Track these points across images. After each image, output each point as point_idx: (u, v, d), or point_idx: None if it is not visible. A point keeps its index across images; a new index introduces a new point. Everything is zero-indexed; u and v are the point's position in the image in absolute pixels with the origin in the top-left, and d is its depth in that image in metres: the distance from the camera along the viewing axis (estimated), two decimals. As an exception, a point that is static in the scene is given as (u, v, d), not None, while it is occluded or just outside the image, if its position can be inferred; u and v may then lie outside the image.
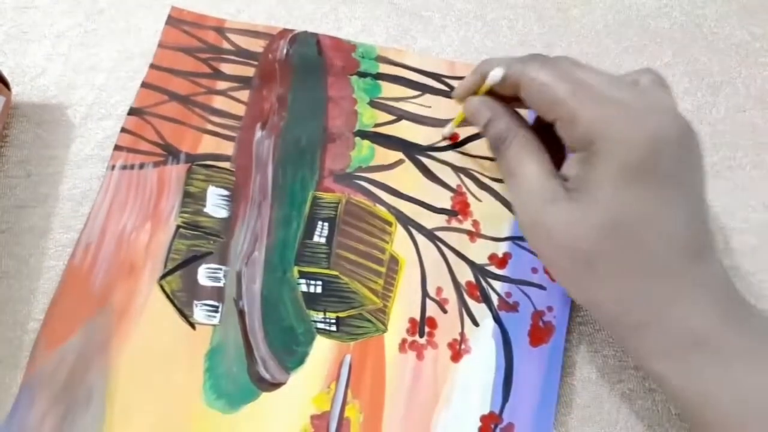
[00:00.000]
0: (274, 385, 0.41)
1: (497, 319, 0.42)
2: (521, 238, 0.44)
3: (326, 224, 0.44)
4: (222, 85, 0.48)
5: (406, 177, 0.46)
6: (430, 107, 0.47)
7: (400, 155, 0.46)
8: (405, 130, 0.47)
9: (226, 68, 0.48)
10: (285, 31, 0.49)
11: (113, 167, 0.45)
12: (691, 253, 0.33)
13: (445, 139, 0.47)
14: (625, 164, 0.32)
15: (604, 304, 0.34)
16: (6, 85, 0.45)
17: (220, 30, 0.49)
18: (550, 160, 0.36)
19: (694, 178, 0.34)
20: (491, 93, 0.40)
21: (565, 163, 0.35)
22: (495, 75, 0.38)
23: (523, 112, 0.40)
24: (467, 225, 0.44)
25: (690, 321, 0.32)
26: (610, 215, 0.32)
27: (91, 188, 0.45)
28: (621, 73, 0.40)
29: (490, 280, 0.43)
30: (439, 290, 0.43)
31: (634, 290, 0.33)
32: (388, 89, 0.48)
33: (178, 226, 0.44)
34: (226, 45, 0.49)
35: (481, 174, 0.46)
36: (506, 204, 0.45)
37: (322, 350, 0.41)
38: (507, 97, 0.39)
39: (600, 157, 0.32)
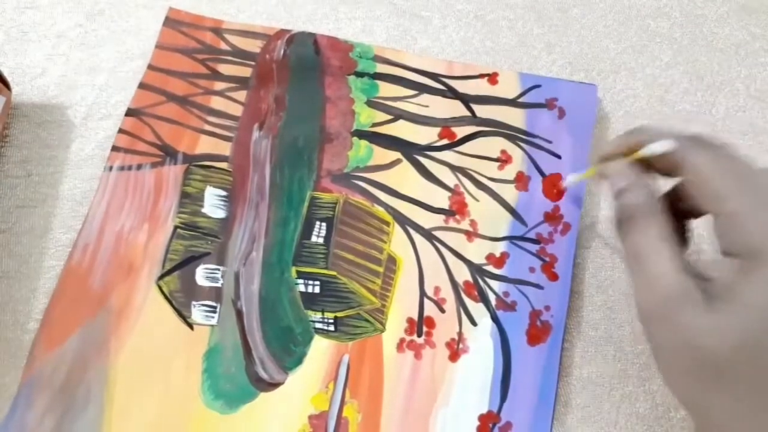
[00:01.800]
0: (273, 385, 0.41)
1: (495, 319, 0.42)
2: (519, 238, 0.44)
3: (324, 224, 0.44)
4: (219, 85, 0.48)
5: (404, 177, 0.46)
6: (427, 107, 0.47)
7: (397, 155, 0.46)
8: (403, 130, 0.47)
9: (224, 69, 0.48)
10: (282, 32, 0.49)
11: (111, 168, 0.45)
12: None
13: (565, 188, 0.45)
14: None
15: (716, 414, 0.31)
16: (6, 85, 0.45)
17: (218, 31, 0.49)
18: (680, 252, 0.33)
19: None
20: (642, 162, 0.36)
21: (717, 263, 0.32)
22: (661, 147, 0.34)
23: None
24: (465, 225, 0.44)
25: None
26: (755, 334, 0.29)
27: (91, 188, 0.45)
28: None
29: (488, 280, 0.43)
30: (437, 290, 0.43)
31: (757, 410, 0.30)
32: (386, 89, 0.48)
33: (176, 227, 0.44)
34: (223, 46, 0.49)
35: (479, 174, 0.46)
36: (504, 204, 0.45)
37: (321, 350, 0.41)
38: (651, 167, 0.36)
39: (764, 268, 0.29)
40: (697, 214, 0.35)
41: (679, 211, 0.35)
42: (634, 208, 0.34)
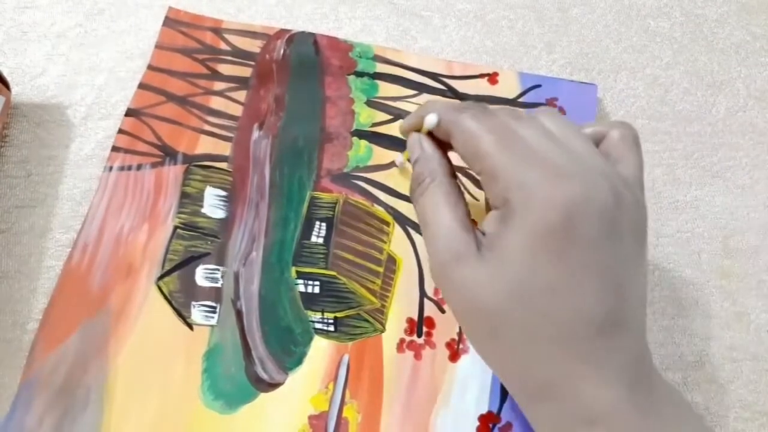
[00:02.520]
0: (272, 386, 0.41)
1: (495, 320, 0.42)
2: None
3: (324, 224, 0.44)
4: (219, 85, 0.48)
5: (404, 177, 0.46)
6: (428, 107, 0.47)
7: (397, 155, 0.46)
8: None
9: (224, 69, 0.48)
10: (282, 32, 0.49)
11: (110, 168, 0.45)
12: (600, 327, 0.30)
13: (396, 166, 0.46)
14: (537, 228, 0.29)
15: (508, 370, 0.32)
16: (6, 85, 0.45)
17: (217, 30, 0.49)
18: (467, 212, 0.34)
19: (619, 248, 0.31)
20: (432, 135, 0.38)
21: (485, 218, 0.33)
22: (429, 121, 0.36)
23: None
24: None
25: (588, 398, 0.30)
26: (516, 279, 0.30)
27: (91, 188, 0.45)
28: (605, 119, 0.38)
29: (488, 280, 0.43)
30: (437, 290, 0.43)
31: (536, 359, 0.31)
32: (386, 89, 0.48)
33: (176, 227, 0.44)
34: (223, 45, 0.49)
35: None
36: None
37: (320, 350, 0.41)
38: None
39: (514, 217, 0.30)
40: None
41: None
42: (421, 174, 0.36)
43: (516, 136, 0.32)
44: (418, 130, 0.38)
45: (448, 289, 0.33)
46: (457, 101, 0.39)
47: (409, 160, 0.40)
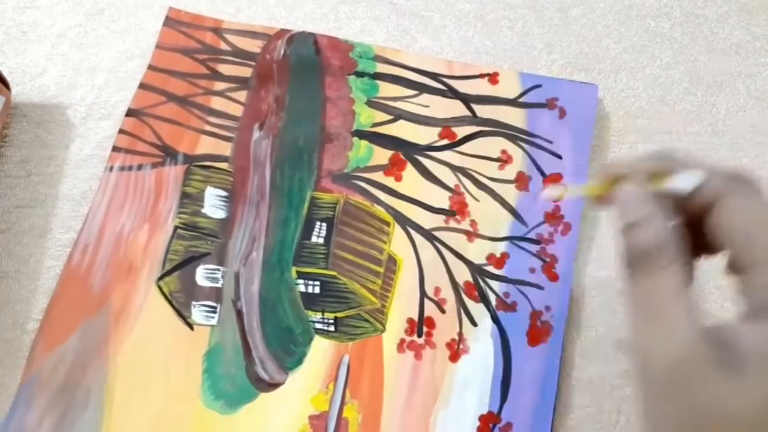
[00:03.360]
0: (273, 386, 0.41)
1: (495, 319, 0.42)
2: (519, 238, 0.44)
3: (324, 225, 0.44)
4: (220, 86, 0.48)
5: (404, 177, 0.46)
6: (428, 107, 0.47)
7: (398, 155, 0.46)
8: (403, 130, 0.47)
9: (224, 69, 0.48)
10: (282, 32, 0.49)
11: (111, 168, 0.45)
12: None
13: (546, 199, 0.44)
14: None
15: None
16: (6, 85, 0.45)
17: (218, 31, 0.49)
18: (698, 304, 0.29)
19: None
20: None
21: (730, 325, 0.28)
22: (688, 182, 0.30)
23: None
24: (465, 225, 0.44)
25: None
26: None
27: (91, 188, 0.45)
28: None
29: (488, 280, 0.43)
30: (437, 290, 0.43)
31: None
32: (386, 89, 0.48)
33: (176, 227, 0.44)
34: (223, 46, 0.49)
35: (479, 174, 0.46)
36: (504, 204, 0.45)
37: (321, 350, 0.41)
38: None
39: None
40: (711, 252, 0.32)
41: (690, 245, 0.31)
42: (650, 248, 0.29)
43: None
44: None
45: (678, 395, 0.28)
46: (701, 161, 0.31)
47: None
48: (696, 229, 0.30)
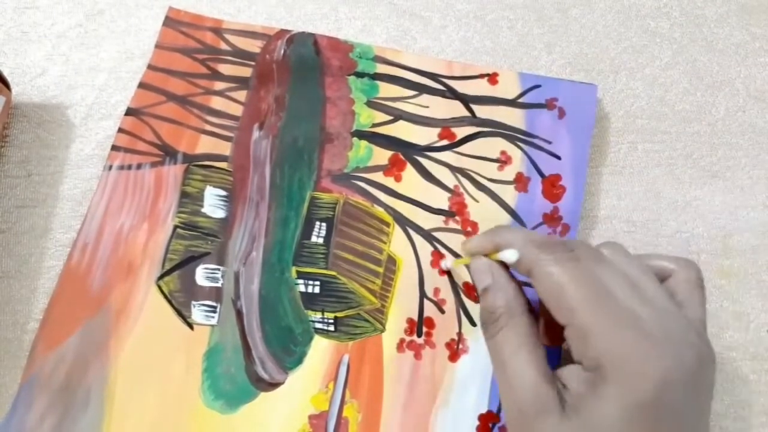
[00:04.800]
0: (273, 385, 0.41)
1: (495, 320, 0.42)
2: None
3: (324, 225, 0.44)
4: (219, 85, 0.48)
5: (404, 177, 0.46)
6: (427, 107, 0.47)
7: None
8: (402, 131, 0.47)
9: (224, 69, 0.48)
10: (282, 32, 0.49)
11: (110, 167, 0.45)
12: None
13: (443, 271, 0.44)
14: (630, 400, 0.29)
15: None
16: (6, 85, 0.45)
17: (218, 31, 0.49)
18: (545, 358, 0.33)
19: (701, 406, 0.32)
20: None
21: (566, 369, 0.32)
22: (507, 257, 0.35)
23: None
24: (464, 226, 0.44)
25: None
26: None
27: (91, 188, 0.45)
28: (655, 252, 0.39)
29: (488, 281, 0.43)
30: (436, 290, 0.43)
31: None
32: (386, 89, 0.48)
33: (176, 227, 0.44)
34: (223, 46, 0.49)
35: (479, 175, 0.46)
36: (503, 205, 0.45)
37: (321, 350, 0.42)
38: None
39: (606, 385, 0.30)
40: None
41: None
42: (496, 309, 0.35)
43: (603, 290, 0.31)
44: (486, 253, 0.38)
45: None
46: (531, 232, 0.38)
47: (463, 265, 0.41)
48: None
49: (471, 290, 0.43)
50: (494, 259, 0.37)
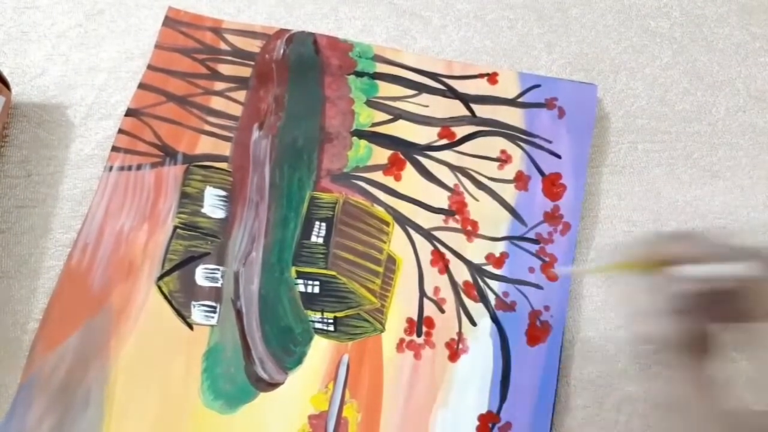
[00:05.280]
0: (272, 385, 0.41)
1: (495, 319, 0.42)
2: (518, 238, 0.44)
3: (324, 224, 0.44)
4: (219, 85, 0.48)
5: (404, 176, 0.46)
6: (427, 106, 0.47)
7: (397, 155, 0.46)
8: (402, 130, 0.47)
9: (223, 69, 0.48)
10: (282, 31, 0.49)
11: (110, 168, 0.45)
12: None
13: (566, 274, 0.43)
14: None
15: None
16: (6, 85, 0.45)
17: (217, 30, 0.49)
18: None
19: None
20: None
21: (750, 411, 0.30)
22: (734, 271, 0.29)
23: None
24: (464, 225, 0.44)
25: None
26: None
27: (91, 188, 0.45)
28: None
29: (488, 280, 0.43)
30: (436, 290, 0.43)
31: None
32: (385, 89, 0.48)
33: (176, 227, 0.44)
34: (223, 45, 0.49)
35: (479, 174, 0.45)
36: (503, 203, 0.45)
37: (320, 350, 0.41)
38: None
39: None
40: (731, 322, 0.32)
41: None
42: (691, 339, 0.30)
43: None
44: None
45: None
46: (717, 243, 0.32)
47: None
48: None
49: (471, 289, 0.43)
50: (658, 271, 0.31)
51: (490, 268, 0.43)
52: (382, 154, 0.46)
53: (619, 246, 0.32)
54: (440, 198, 0.45)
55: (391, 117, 0.47)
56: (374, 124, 0.47)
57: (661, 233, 0.32)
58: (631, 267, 0.32)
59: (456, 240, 0.44)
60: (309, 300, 0.42)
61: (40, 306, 0.42)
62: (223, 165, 0.46)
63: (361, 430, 0.40)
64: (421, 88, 0.48)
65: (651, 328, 0.30)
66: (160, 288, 0.42)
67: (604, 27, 0.52)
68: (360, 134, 0.47)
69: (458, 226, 0.44)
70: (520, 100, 0.47)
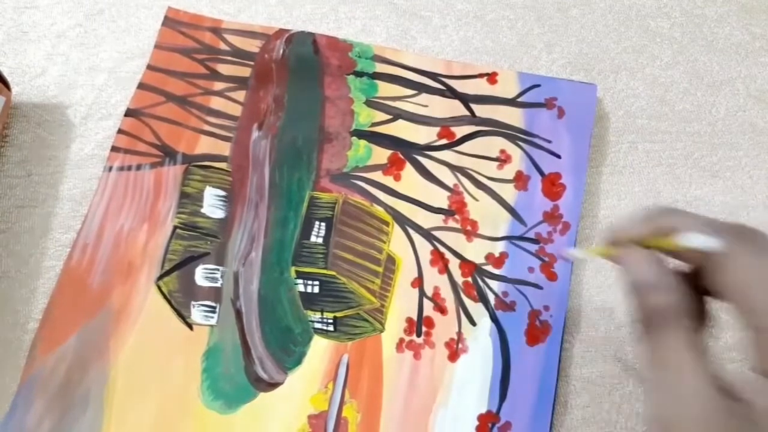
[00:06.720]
0: (272, 385, 0.41)
1: (494, 319, 0.42)
2: (518, 238, 0.44)
3: (323, 224, 0.44)
4: (219, 85, 0.48)
5: (403, 176, 0.46)
6: (426, 106, 0.47)
7: (397, 155, 0.46)
8: (402, 130, 0.47)
9: (223, 69, 0.48)
10: (281, 31, 0.49)
11: (110, 168, 0.45)
12: None
13: (566, 258, 0.44)
14: None
15: None
16: (6, 85, 0.45)
17: (217, 30, 0.49)
18: (718, 366, 0.28)
19: None
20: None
21: (747, 381, 0.28)
22: (702, 243, 0.29)
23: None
24: (464, 224, 0.44)
25: None
26: None
27: (91, 188, 0.45)
28: None
29: (487, 280, 0.43)
30: (436, 290, 0.43)
31: None
32: (385, 88, 0.48)
33: (175, 227, 0.44)
34: (222, 45, 0.49)
35: (478, 173, 0.46)
36: (503, 203, 0.45)
37: (320, 350, 0.42)
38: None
39: None
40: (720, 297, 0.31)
41: (699, 287, 0.31)
42: (662, 310, 0.29)
43: None
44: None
45: None
46: (695, 214, 0.31)
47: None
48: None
49: (470, 289, 0.43)
50: (657, 246, 0.31)
51: (489, 268, 0.43)
52: (381, 154, 0.46)
53: (616, 224, 0.32)
54: (440, 198, 0.45)
55: (390, 117, 0.47)
56: (374, 124, 0.47)
57: (648, 208, 0.32)
58: (609, 250, 0.32)
59: (456, 240, 0.44)
60: (309, 300, 0.42)
61: (40, 306, 0.42)
62: (223, 165, 0.46)
63: (360, 429, 0.40)
64: (420, 88, 0.48)
65: (652, 299, 0.30)
66: (159, 288, 0.42)
67: (604, 27, 0.52)
68: (359, 134, 0.47)
69: (458, 225, 0.44)
70: (519, 99, 0.47)
